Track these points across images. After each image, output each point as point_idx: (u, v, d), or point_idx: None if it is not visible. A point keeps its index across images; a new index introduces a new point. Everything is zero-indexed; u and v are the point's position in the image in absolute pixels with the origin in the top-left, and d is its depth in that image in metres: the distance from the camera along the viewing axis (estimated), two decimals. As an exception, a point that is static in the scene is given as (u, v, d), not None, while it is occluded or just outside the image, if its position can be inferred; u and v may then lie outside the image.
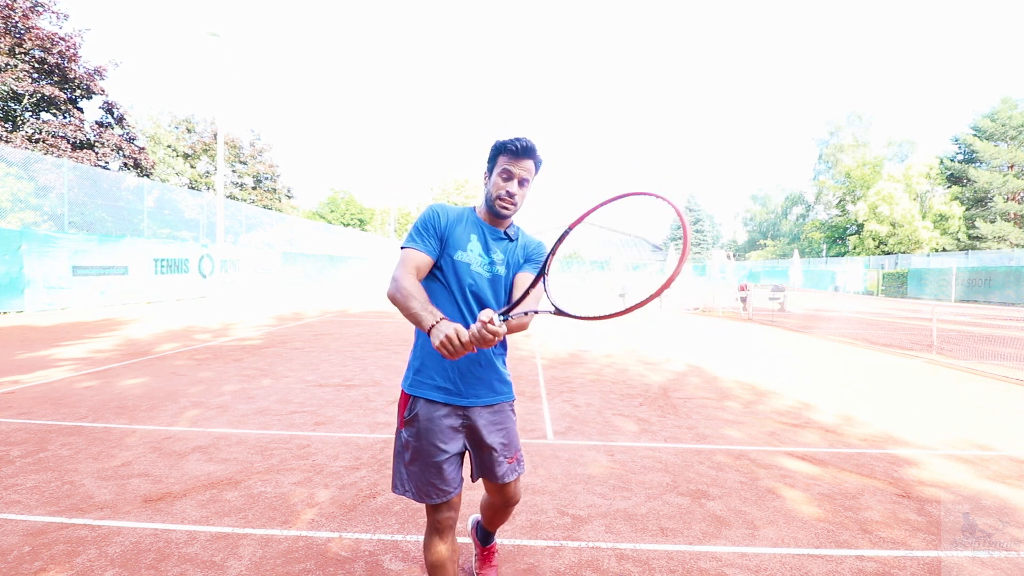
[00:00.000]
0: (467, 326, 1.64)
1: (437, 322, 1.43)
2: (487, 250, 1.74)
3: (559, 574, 2.24)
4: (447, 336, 1.37)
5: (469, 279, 1.70)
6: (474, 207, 1.82)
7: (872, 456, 3.77)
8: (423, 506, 2.80)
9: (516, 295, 1.74)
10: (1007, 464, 3.66)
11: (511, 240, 1.79)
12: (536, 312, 1.55)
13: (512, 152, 1.64)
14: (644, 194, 1.43)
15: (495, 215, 1.73)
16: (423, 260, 1.66)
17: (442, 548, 1.68)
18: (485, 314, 1.38)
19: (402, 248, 1.68)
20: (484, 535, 2.19)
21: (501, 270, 1.75)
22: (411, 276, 1.59)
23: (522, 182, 1.69)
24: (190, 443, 3.71)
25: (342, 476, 3.20)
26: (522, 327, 1.63)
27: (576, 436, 4.08)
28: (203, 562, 2.25)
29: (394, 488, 1.72)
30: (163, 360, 6.76)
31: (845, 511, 2.88)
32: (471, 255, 1.71)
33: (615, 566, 2.31)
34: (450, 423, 1.68)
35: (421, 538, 2.49)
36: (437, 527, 1.69)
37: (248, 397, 5.00)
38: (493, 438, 1.74)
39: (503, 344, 1.80)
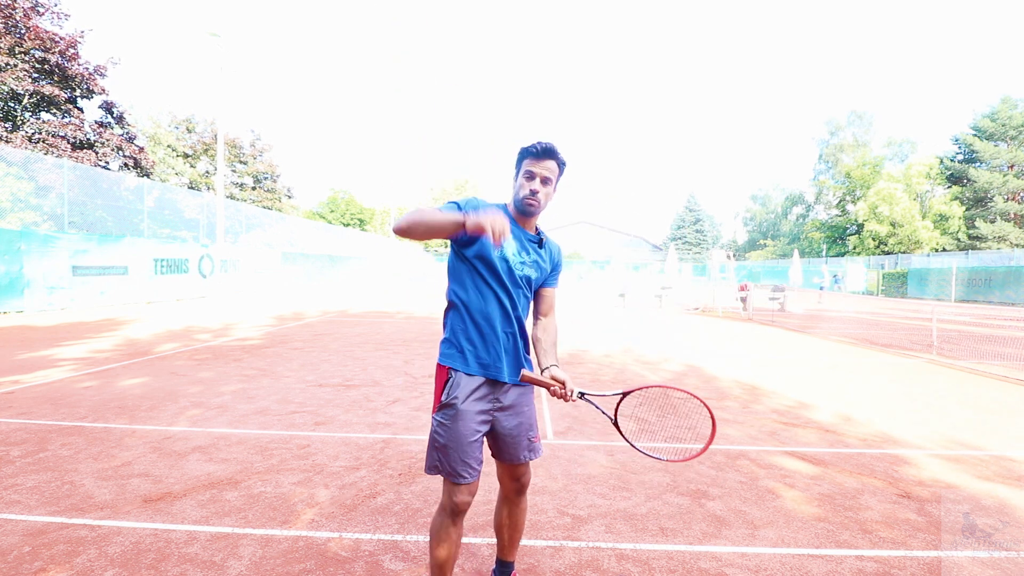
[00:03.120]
0: (504, 314, 1.81)
1: (467, 213, 1.56)
2: (521, 249, 1.85)
3: (559, 574, 2.24)
4: (490, 218, 1.51)
5: (513, 284, 1.82)
6: (506, 204, 1.90)
7: (872, 456, 3.77)
8: (423, 506, 2.82)
9: (543, 307, 1.98)
10: (1007, 464, 3.65)
11: (541, 245, 1.91)
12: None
13: (534, 154, 1.76)
14: (686, 392, 1.98)
15: (523, 213, 1.83)
16: (448, 213, 1.66)
17: (453, 534, 1.77)
18: (568, 383, 1.74)
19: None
20: (501, 569, 2.09)
21: (532, 273, 1.87)
22: (424, 209, 1.63)
23: (545, 180, 1.79)
24: (190, 443, 3.71)
25: (342, 476, 3.20)
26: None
27: (576, 436, 4.08)
28: (203, 562, 2.25)
29: (427, 468, 1.80)
30: (163, 360, 6.76)
31: (845, 511, 2.88)
32: (509, 252, 1.81)
33: (615, 566, 2.31)
34: (477, 396, 1.78)
35: (421, 538, 2.49)
36: (455, 509, 1.76)
37: (248, 397, 5.00)
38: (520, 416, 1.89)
39: (525, 337, 1.92)
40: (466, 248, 1.77)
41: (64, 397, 4.85)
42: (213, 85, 38.20)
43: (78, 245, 13.18)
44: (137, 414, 4.37)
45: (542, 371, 1.82)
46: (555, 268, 1.97)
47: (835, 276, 31.51)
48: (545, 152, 1.75)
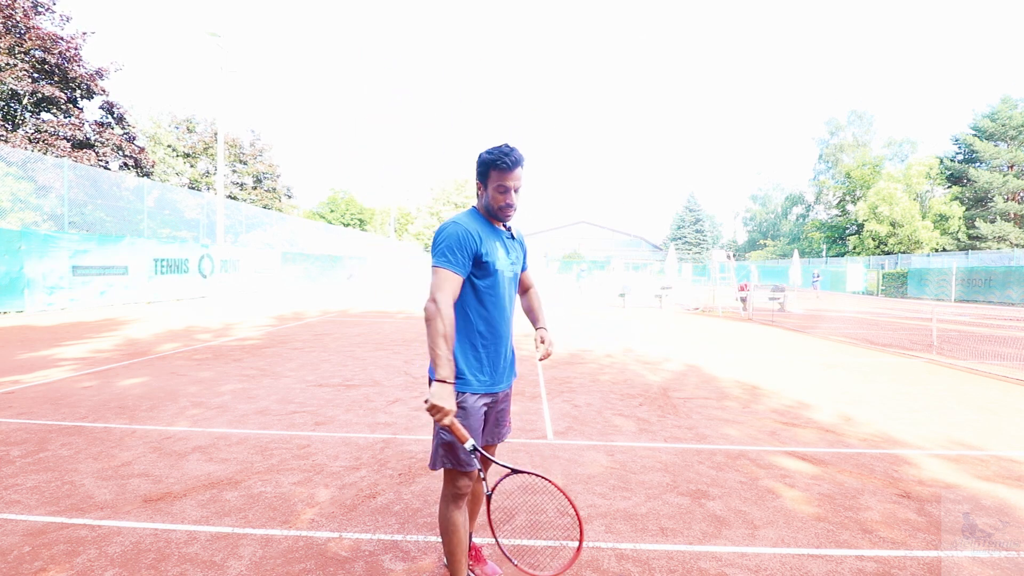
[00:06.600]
0: (508, 328, 2.01)
1: (447, 381, 1.69)
2: (507, 252, 1.99)
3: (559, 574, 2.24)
4: (447, 408, 1.67)
5: (509, 286, 1.99)
6: (476, 208, 1.99)
7: (872, 456, 3.77)
8: (423, 506, 2.82)
9: (525, 284, 2.21)
10: (1007, 464, 3.66)
11: (514, 237, 2.06)
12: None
13: (503, 168, 1.84)
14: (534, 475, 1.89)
15: (498, 220, 1.97)
16: (459, 282, 1.83)
17: (461, 518, 1.92)
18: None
19: (437, 267, 1.81)
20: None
21: (517, 268, 2.07)
22: (451, 306, 1.78)
23: (516, 190, 1.90)
24: (190, 443, 3.71)
25: (342, 476, 3.20)
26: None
27: (576, 436, 4.08)
28: (203, 562, 2.25)
29: (432, 465, 1.92)
30: (163, 360, 6.76)
31: (845, 511, 2.88)
32: (504, 263, 1.95)
33: (615, 566, 2.31)
34: (482, 403, 1.96)
35: (421, 538, 2.50)
36: (458, 494, 1.91)
37: (248, 397, 5.00)
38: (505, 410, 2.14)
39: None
40: (479, 280, 1.90)
41: (64, 397, 4.85)
42: (213, 85, 38.20)
43: (78, 245, 13.17)
44: (137, 414, 4.37)
45: (536, 329, 2.13)
46: (525, 253, 2.15)
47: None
48: (514, 164, 1.84)
